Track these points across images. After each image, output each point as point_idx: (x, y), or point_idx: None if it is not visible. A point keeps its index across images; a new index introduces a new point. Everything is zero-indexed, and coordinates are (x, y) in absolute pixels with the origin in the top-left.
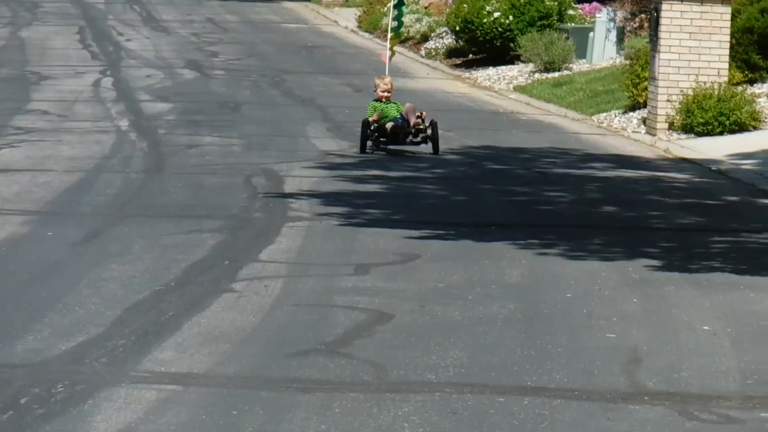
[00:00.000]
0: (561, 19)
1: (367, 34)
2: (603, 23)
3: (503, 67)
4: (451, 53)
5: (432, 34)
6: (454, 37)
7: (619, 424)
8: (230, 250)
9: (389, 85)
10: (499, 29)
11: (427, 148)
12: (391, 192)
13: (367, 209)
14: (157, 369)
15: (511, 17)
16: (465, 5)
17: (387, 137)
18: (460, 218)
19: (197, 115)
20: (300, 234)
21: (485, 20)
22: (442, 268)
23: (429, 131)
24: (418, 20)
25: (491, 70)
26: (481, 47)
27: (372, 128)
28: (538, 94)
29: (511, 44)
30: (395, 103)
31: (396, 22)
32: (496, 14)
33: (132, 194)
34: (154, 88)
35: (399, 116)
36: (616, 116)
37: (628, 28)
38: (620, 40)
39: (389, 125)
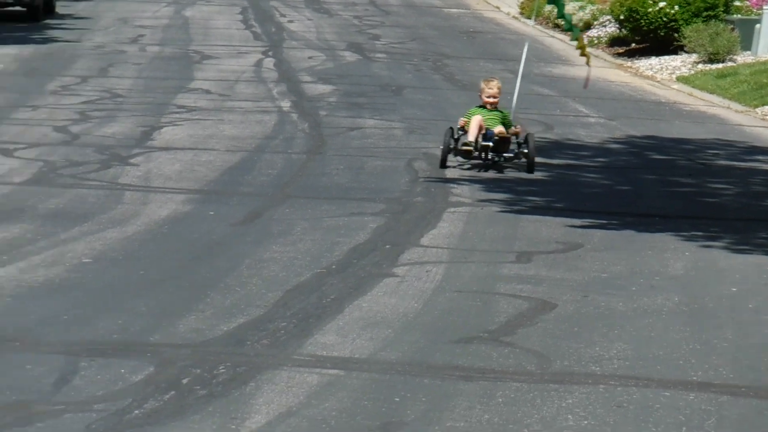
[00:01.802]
0: (727, 11)
1: (529, 21)
2: None
3: (666, 57)
4: (613, 42)
5: (595, 23)
6: (617, 25)
7: None
8: (392, 234)
9: (495, 90)
10: (664, 19)
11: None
12: (553, 180)
13: (528, 196)
14: (318, 353)
15: (676, 7)
16: None
17: (467, 148)
18: (623, 208)
19: (359, 97)
20: (461, 219)
21: (650, 9)
22: (605, 257)
23: (525, 149)
24: (582, 8)
25: (654, 60)
26: (644, 36)
27: (456, 137)
28: (701, 85)
29: (675, 34)
30: (500, 112)
31: (563, 20)
32: (662, 4)
33: (294, 175)
34: (316, 69)
35: (490, 130)
36: None
37: None
38: None
39: (472, 132)
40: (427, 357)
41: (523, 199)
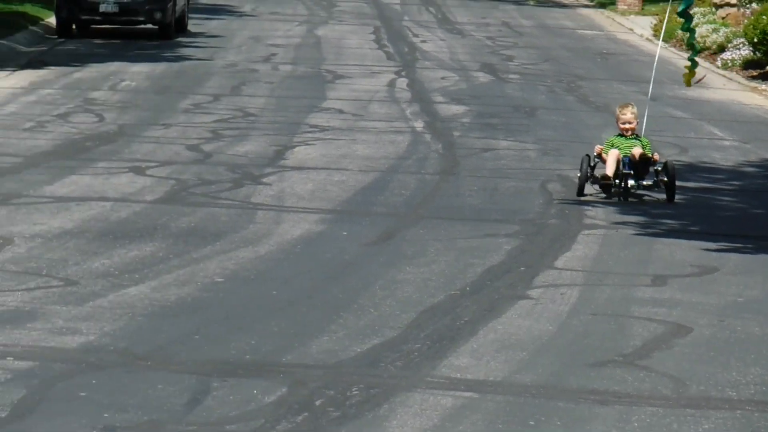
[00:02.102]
0: None
1: (663, 43)
2: None
3: None
4: (747, 65)
5: (728, 45)
6: (751, 48)
7: None
8: (526, 255)
9: (630, 116)
10: None
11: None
12: (687, 203)
13: (663, 219)
14: (453, 375)
15: None
16: (765, 17)
17: (606, 182)
18: (758, 231)
19: (492, 118)
20: (596, 242)
21: None
22: (741, 281)
23: (664, 176)
24: (715, 30)
25: None
26: None
27: (593, 164)
28: None
29: None
30: (640, 140)
31: (691, 47)
32: None
33: (427, 195)
34: (449, 90)
35: (626, 157)
36: None
37: None
38: None
39: (610, 167)
40: (561, 380)
41: (658, 222)
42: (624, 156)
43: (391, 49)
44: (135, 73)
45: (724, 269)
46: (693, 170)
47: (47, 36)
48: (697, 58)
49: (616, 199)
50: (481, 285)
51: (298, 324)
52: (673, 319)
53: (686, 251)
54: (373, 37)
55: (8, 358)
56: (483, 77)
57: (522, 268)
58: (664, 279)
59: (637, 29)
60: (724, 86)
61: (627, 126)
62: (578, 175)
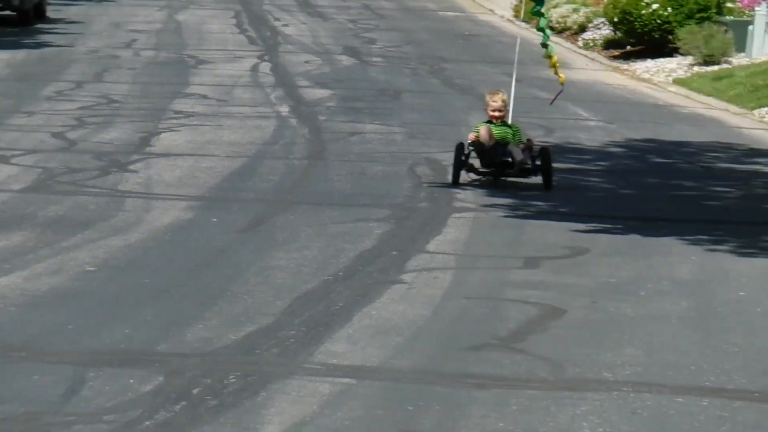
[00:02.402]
0: (720, 12)
1: (523, 24)
2: (763, 17)
3: (662, 60)
4: (608, 44)
5: (589, 25)
6: (611, 28)
7: None
8: (397, 240)
9: (500, 103)
10: (658, 21)
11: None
12: (556, 184)
13: (533, 201)
14: (329, 361)
15: (669, 9)
16: None
17: (484, 159)
18: (627, 212)
19: (357, 102)
20: (467, 225)
21: (643, 12)
22: (612, 262)
23: (538, 161)
24: (575, 11)
25: (650, 62)
26: (639, 39)
27: (467, 152)
28: (697, 88)
29: (670, 36)
30: (509, 127)
31: (542, 33)
32: (655, 6)
33: (295, 181)
34: (313, 74)
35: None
36: None
37: None
38: None
39: (484, 138)
40: (439, 365)
41: (528, 203)
42: (502, 139)
43: (252, 33)
44: None
45: (595, 250)
46: (560, 151)
47: None
48: (550, 42)
49: (491, 178)
50: (354, 270)
51: (172, 312)
52: (547, 301)
53: (557, 233)
54: (234, 21)
55: None
56: (346, 60)
57: (394, 253)
58: (536, 261)
59: (497, 10)
60: (587, 66)
61: (497, 113)
62: (452, 164)
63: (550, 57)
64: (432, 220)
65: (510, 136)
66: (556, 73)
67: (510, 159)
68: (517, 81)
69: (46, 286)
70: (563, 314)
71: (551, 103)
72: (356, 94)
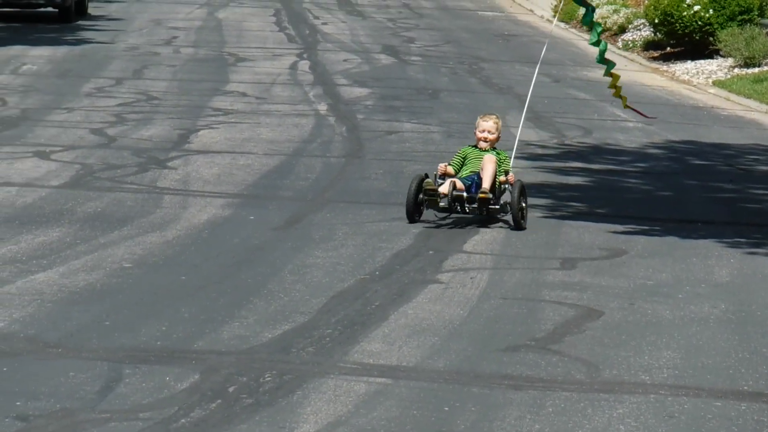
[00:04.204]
0: (762, 14)
1: (562, 24)
2: None
3: (702, 61)
4: (648, 45)
5: (629, 26)
6: (652, 29)
7: None
8: (434, 239)
9: (491, 125)
10: (699, 23)
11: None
12: (594, 185)
13: (570, 202)
14: (365, 361)
15: (711, 11)
16: None
17: (431, 198)
18: (665, 214)
19: (395, 100)
20: (504, 225)
21: (685, 13)
22: (650, 264)
23: (511, 197)
24: (616, 11)
25: (689, 64)
26: (679, 40)
27: (425, 188)
28: (737, 90)
29: (711, 38)
30: (498, 154)
31: (599, 44)
32: (696, 8)
33: (333, 179)
34: (351, 72)
35: (475, 174)
36: None
37: None
38: None
39: (445, 187)
40: (475, 365)
41: (565, 204)
42: (471, 173)
43: (292, 31)
44: (36, 56)
45: (633, 252)
46: (598, 152)
47: None
48: (610, 57)
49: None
50: (391, 269)
51: (209, 310)
52: (584, 302)
53: (594, 234)
54: (273, 19)
55: None
56: (385, 59)
57: (430, 252)
58: (573, 262)
59: (537, 10)
60: (626, 67)
61: (486, 135)
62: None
63: (611, 76)
64: (470, 219)
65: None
66: (617, 94)
67: (464, 194)
68: (555, 82)
69: (83, 283)
70: (600, 316)
71: (637, 112)
72: (394, 93)
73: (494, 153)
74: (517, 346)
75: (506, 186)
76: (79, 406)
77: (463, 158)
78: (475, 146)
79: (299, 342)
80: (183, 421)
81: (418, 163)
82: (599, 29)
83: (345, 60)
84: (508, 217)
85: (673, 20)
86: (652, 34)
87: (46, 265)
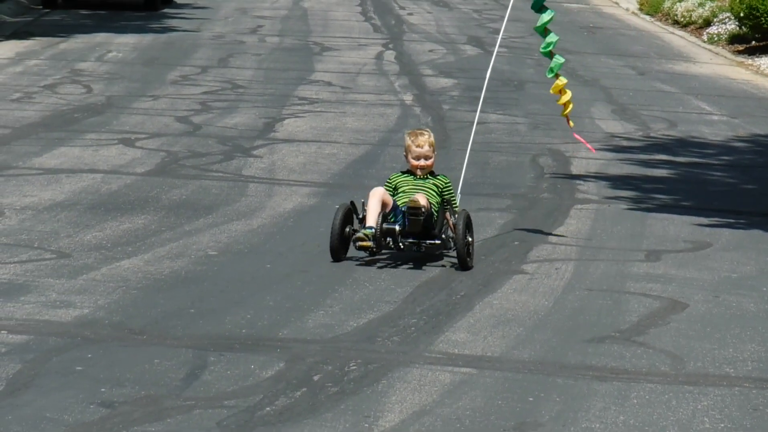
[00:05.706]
0: None
1: (647, 17)
2: None
3: None
4: (733, 39)
5: (714, 20)
6: (737, 23)
7: None
8: (519, 231)
9: (427, 148)
10: None
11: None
12: (679, 177)
13: (655, 194)
14: (450, 350)
15: None
16: None
17: (363, 243)
18: (750, 207)
19: (481, 91)
20: (589, 217)
21: None
22: (735, 257)
23: (456, 230)
24: (701, 5)
25: None
26: (764, 34)
27: (360, 216)
28: None
29: None
30: (436, 180)
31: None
32: None
33: None
34: (437, 63)
35: (403, 207)
36: None
37: None
38: None
39: (371, 215)
40: (559, 356)
41: (650, 197)
42: (402, 205)
43: (377, 21)
44: (121, 44)
45: (717, 245)
46: (683, 145)
47: (32, 6)
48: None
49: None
50: (476, 260)
51: (294, 298)
52: (668, 294)
53: (679, 226)
54: (359, 9)
55: (2, 332)
56: (470, 50)
57: (516, 243)
58: (658, 254)
59: (622, 3)
60: (711, 60)
61: (422, 162)
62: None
63: (561, 91)
64: (554, 210)
65: (434, 193)
66: (566, 113)
67: (397, 227)
68: (640, 74)
69: (168, 270)
70: (685, 308)
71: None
72: (480, 84)
73: (432, 181)
74: (601, 338)
75: (451, 218)
76: (164, 393)
77: (393, 188)
78: (408, 172)
79: (384, 331)
80: (268, 409)
81: (503, 154)
82: (554, 39)
83: (430, 50)
84: (453, 253)
85: (758, 14)
86: (737, 28)
87: (131, 252)
